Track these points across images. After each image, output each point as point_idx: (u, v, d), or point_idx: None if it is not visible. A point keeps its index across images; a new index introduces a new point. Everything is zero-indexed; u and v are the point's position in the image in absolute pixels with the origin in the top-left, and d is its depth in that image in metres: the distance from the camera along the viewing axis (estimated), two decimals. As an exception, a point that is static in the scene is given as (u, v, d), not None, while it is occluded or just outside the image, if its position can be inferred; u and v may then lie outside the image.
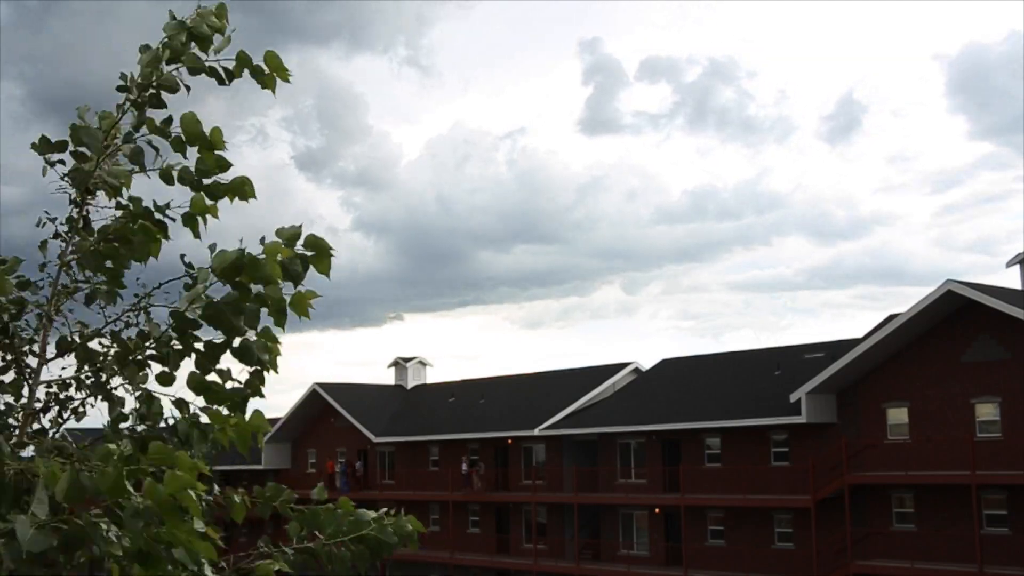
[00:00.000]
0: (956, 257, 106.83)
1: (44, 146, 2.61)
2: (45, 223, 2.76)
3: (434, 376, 65.15)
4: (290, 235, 2.52)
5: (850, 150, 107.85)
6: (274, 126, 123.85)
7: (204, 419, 2.74)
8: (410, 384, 62.61)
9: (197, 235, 2.62)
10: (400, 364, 63.31)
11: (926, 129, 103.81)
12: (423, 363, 63.78)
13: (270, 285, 2.46)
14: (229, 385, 2.67)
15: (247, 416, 2.67)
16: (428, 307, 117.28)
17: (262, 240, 2.47)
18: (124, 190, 2.61)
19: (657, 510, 43.18)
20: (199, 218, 2.59)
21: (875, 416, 37.02)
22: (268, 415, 3.39)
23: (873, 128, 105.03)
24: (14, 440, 2.81)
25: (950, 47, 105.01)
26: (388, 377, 64.01)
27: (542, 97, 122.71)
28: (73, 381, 2.91)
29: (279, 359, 2.70)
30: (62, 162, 2.64)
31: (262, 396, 2.76)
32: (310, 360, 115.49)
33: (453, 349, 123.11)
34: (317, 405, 59.44)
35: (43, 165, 2.62)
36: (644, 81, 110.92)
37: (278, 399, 73.48)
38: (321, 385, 58.80)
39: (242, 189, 2.62)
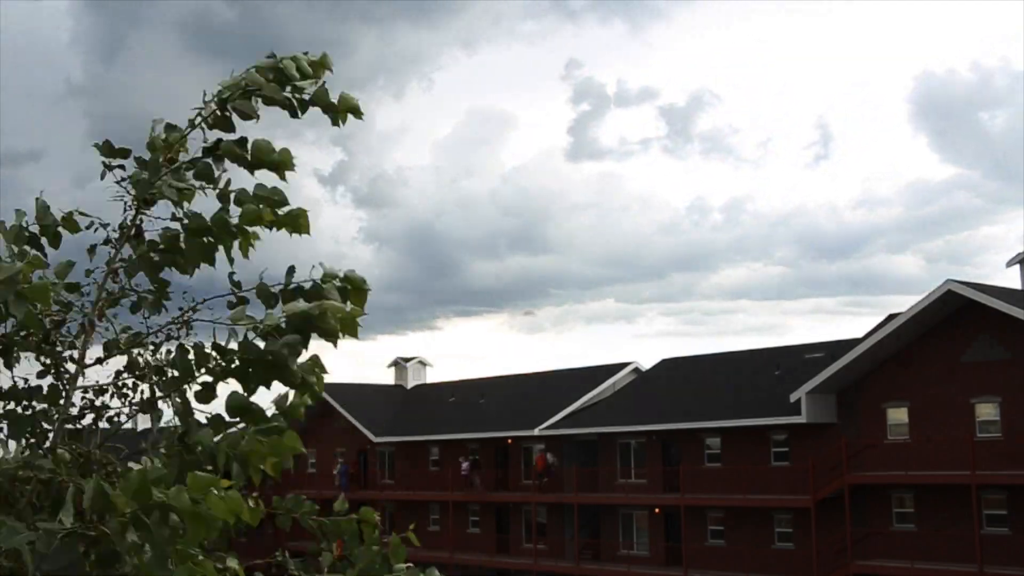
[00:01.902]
0: (934, 266, 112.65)
1: (107, 150, 2.60)
2: (97, 228, 2.74)
3: (434, 376, 65.19)
4: (329, 272, 2.51)
5: (832, 170, 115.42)
6: (298, 145, 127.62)
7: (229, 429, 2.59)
8: (410, 384, 62.57)
9: (230, 257, 2.56)
10: (400, 364, 63.27)
11: (900, 152, 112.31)
12: (423, 363, 63.76)
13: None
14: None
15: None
16: (429, 314, 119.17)
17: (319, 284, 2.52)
18: (185, 204, 2.58)
19: (657, 510, 43.18)
20: (237, 242, 2.52)
21: (875, 416, 37.05)
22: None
23: (852, 150, 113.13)
24: (48, 445, 2.81)
25: (920, 76, 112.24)
26: (388, 377, 64.08)
27: (539, 118, 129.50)
28: (111, 387, 2.89)
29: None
30: (122, 167, 2.62)
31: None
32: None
33: (453, 350, 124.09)
34: (316, 405, 59.09)
35: (102, 169, 2.61)
36: (632, 107, 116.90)
37: (277, 399, 74.18)
38: (321, 385, 58.68)
39: (297, 222, 2.56)
